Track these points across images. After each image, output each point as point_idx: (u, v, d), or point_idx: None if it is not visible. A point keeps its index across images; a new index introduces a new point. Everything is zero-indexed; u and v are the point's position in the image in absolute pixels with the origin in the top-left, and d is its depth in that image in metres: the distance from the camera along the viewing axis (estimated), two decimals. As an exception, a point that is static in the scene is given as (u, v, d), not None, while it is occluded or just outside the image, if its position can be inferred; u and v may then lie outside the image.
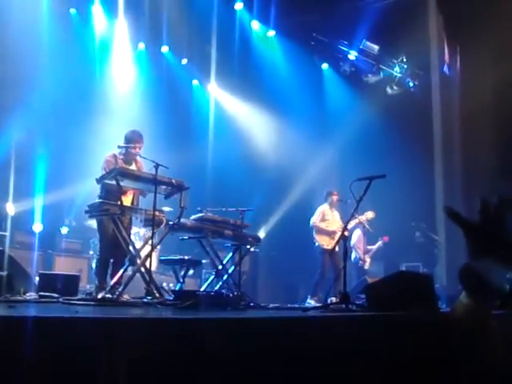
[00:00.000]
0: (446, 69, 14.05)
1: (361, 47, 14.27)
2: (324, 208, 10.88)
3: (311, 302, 10.06)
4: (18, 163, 10.87)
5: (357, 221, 10.33)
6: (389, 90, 15.11)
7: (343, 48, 14.54)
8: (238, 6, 13.43)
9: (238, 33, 13.75)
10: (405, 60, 14.83)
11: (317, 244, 10.74)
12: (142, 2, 12.52)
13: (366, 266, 12.57)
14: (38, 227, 10.88)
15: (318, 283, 10.52)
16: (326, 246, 10.54)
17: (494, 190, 12.81)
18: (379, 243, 12.84)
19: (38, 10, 11.65)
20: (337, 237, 10.23)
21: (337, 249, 8.86)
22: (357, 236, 12.73)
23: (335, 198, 10.77)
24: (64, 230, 11.36)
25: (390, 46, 14.48)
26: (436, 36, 13.75)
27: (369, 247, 12.82)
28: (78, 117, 11.64)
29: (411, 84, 15.13)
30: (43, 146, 11.13)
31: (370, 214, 10.71)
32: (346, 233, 6.78)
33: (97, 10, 12.64)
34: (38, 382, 2.56)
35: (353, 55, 14.55)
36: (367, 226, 10.82)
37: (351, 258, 12.65)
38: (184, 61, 14.62)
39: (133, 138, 7.62)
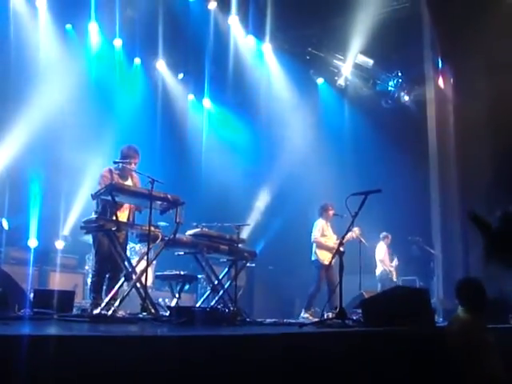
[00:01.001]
0: (440, 82, 14.11)
1: (356, 61, 14.32)
2: (322, 223, 10.82)
3: (305, 316, 10.00)
4: (12, 179, 10.85)
5: (353, 235, 10.29)
6: (384, 104, 15.17)
7: (338, 62, 14.59)
8: (233, 20, 13.44)
9: (232, 47, 13.77)
10: (399, 74, 14.90)
11: (314, 258, 10.66)
12: (138, 18, 12.56)
13: (395, 278, 12.79)
14: (33, 243, 10.84)
15: (313, 297, 10.47)
16: (326, 262, 10.35)
17: (489, 202, 12.86)
18: (395, 260, 13.10)
19: (35, 27, 11.71)
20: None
21: (332, 263, 8.83)
22: (383, 250, 12.90)
23: (331, 212, 10.71)
24: (59, 245, 11.31)
25: (385, 60, 14.56)
26: (430, 50, 13.83)
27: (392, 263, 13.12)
28: (73, 132, 11.63)
29: (406, 98, 15.20)
30: (38, 162, 11.12)
31: (356, 231, 10.68)
32: (341, 248, 6.74)
33: (93, 27, 12.65)
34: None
35: (348, 69, 14.60)
36: (363, 241, 10.79)
37: (375, 273, 12.82)
38: (180, 75, 14.66)
39: (128, 154, 7.60)
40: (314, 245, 10.72)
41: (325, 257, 10.51)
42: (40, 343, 2.71)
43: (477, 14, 11.83)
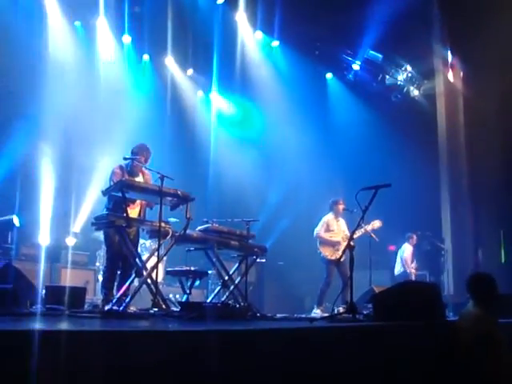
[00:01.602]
0: (450, 76, 14.06)
1: (365, 56, 14.29)
2: (328, 218, 10.80)
3: (317, 312, 10.02)
4: (23, 176, 10.90)
5: (363, 230, 10.27)
6: (393, 98, 15.13)
7: (347, 57, 14.57)
8: (241, 15, 13.44)
9: (241, 43, 13.78)
10: (409, 68, 14.85)
11: (321, 255, 10.69)
12: (147, 14, 12.57)
13: None
14: (44, 239, 10.89)
15: (324, 292, 10.48)
16: (329, 257, 10.48)
17: (499, 195, 12.83)
18: (415, 262, 13.06)
19: (44, 24, 11.75)
20: (341, 247, 10.26)
21: (343, 258, 8.84)
22: (409, 251, 12.90)
23: (341, 207, 10.69)
24: (70, 242, 11.36)
25: (395, 54, 14.52)
26: (440, 43, 13.78)
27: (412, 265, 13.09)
28: (83, 128, 11.66)
29: (415, 92, 15.15)
30: (49, 159, 11.16)
31: (377, 223, 10.64)
32: (351, 243, 6.72)
33: (101, 23, 12.66)
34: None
35: (357, 64, 14.58)
36: (373, 236, 10.76)
37: (394, 272, 12.85)
38: (189, 71, 14.66)
39: (139, 151, 7.64)
40: (318, 241, 10.73)
41: (327, 252, 10.56)
42: (52, 338, 2.73)
43: (485, 7, 11.77)
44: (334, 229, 10.73)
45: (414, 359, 4.74)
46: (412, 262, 13.13)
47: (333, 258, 10.39)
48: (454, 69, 14.10)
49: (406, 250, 13.05)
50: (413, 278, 12.86)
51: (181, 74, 14.62)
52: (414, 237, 13.14)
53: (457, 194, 13.55)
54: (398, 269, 13.11)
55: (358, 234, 9.46)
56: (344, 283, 9.89)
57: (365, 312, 7.03)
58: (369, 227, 10.47)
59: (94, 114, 11.98)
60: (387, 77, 15.01)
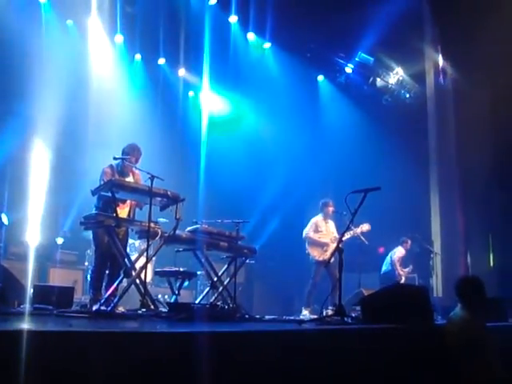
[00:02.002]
0: (441, 79, 14.10)
1: (356, 59, 14.31)
2: (317, 219, 10.86)
3: (305, 313, 10.03)
4: (12, 174, 10.85)
5: (352, 233, 10.30)
6: (383, 101, 15.15)
7: (339, 60, 14.58)
8: (233, 19, 13.46)
9: (233, 44, 13.77)
10: (400, 71, 14.88)
11: (310, 255, 10.72)
12: (139, 14, 12.54)
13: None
14: (33, 238, 10.84)
15: (311, 293, 10.51)
16: (317, 258, 10.55)
17: (489, 198, 12.88)
18: (410, 267, 12.96)
19: (36, 21, 11.70)
20: (329, 248, 10.31)
21: (332, 260, 8.85)
22: (401, 254, 12.85)
23: (331, 209, 10.74)
24: (59, 241, 11.31)
25: (386, 57, 14.54)
26: (431, 46, 13.83)
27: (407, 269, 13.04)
28: (73, 127, 11.62)
29: (406, 95, 15.18)
30: (38, 157, 11.12)
31: (365, 227, 10.67)
32: (340, 245, 6.74)
33: (93, 22, 12.60)
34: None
35: (349, 67, 14.59)
36: (362, 239, 10.77)
37: (381, 270, 12.82)
38: (180, 72, 14.63)
39: (130, 151, 7.63)
40: (306, 241, 10.78)
41: (315, 252, 10.61)
42: (39, 338, 2.72)
43: (476, 11, 11.81)
44: (323, 230, 10.79)
45: (402, 362, 4.75)
46: (403, 265, 13.08)
47: (320, 258, 10.46)
48: (445, 72, 14.15)
49: (397, 252, 13.00)
50: (402, 280, 12.87)
51: (172, 73, 14.59)
52: (409, 241, 13.06)
53: (446, 197, 13.59)
54: (384, 268, 13.07)
55: (347, 236, 9.49)
56: (333, 285, 9.91)
57: (353, 314, 7.03)
58: (358, 230, 10.51)
59: (85, 112, 11.95)
60: (378, 79, 15.02)
